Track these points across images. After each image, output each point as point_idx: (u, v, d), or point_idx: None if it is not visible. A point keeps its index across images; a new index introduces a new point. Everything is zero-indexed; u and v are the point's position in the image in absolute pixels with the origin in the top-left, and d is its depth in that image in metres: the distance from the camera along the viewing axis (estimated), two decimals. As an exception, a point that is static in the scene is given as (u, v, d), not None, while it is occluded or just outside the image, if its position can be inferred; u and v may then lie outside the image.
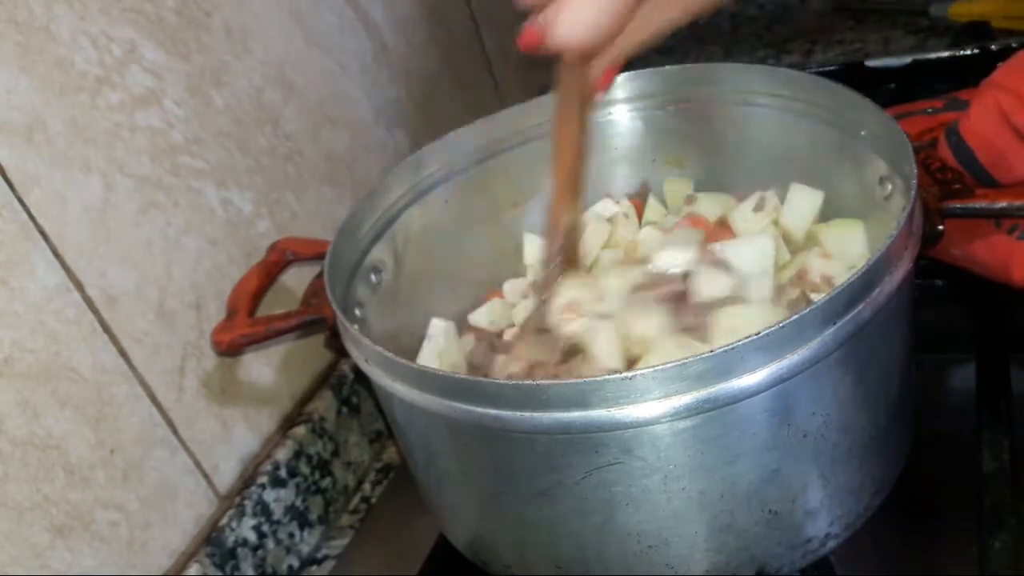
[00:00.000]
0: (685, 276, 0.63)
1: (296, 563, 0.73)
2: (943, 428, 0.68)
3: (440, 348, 0.69)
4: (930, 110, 0.78)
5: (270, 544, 0.71)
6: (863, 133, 0.64)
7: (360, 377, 0.79)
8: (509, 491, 0.56)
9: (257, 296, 0.68)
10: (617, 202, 0.77)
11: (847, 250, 0.66)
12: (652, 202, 0.77)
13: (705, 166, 0.76)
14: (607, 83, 0.57)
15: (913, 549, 0.62)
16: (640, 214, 0.77)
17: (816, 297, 0.58)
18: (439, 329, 0.70)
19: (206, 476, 0.69)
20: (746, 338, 0.47)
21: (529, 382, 0.50)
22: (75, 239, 0.60)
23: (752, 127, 0.72)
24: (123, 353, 0.63)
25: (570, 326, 0.61)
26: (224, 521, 0.68)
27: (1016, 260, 0.67)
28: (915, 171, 0.55)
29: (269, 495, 0.71)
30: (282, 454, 0.72)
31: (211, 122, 0.70)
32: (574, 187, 0.61)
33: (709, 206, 0.73)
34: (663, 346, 0.58)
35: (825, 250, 0.66)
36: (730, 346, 0.47)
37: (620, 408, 0.48)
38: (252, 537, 0.69)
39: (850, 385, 0.53)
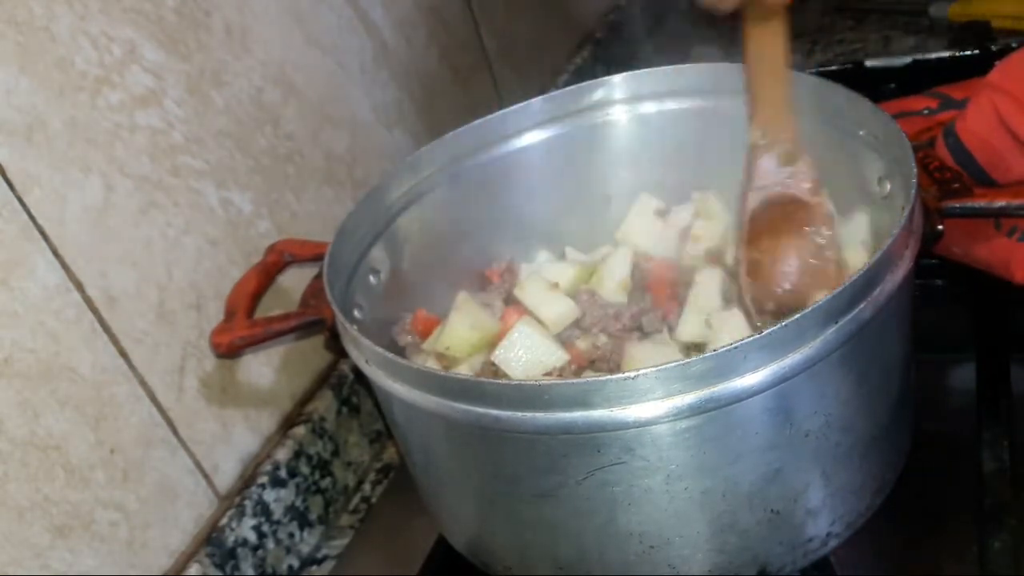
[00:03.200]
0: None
1: (296, 563, 0.73)
2: (943, 428, 0.68)
3: None
4: (926, 111, 0.79)
5: (270, 544, 0.71)
6: (862, 133, 0.64)
7: (360, 377, 0.79)
8: (510, 492, 0.56)
9: (256, 297, 0.68)
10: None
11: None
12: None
13: (705, 166, 0.76)
14: None
15: (913, 549, 0.62)
16: None
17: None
18: None
19: (206, 476, 0.68)
20: (747, 338, 0.47)
21: (531, 382, 0.50)
22: (75, 239, 0.60)
23: (752, 127, 0.72)
24: (123, 353, 0.62)
25: None
26: (224, 521, 0.67)
27: (1016, 261, 0.67)
28: (915, 170, 0.55)
29: (269, 495, 0.70)
30: (282, 454, 0.72)
31: (211, 122, 0.70)
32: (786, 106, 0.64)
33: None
34: None
35: None
36: (732, 346, 0.47)
37: (622, 408, 0.48)
38: (252, 537, 0.69)
39: (851, 384, 0.53)
